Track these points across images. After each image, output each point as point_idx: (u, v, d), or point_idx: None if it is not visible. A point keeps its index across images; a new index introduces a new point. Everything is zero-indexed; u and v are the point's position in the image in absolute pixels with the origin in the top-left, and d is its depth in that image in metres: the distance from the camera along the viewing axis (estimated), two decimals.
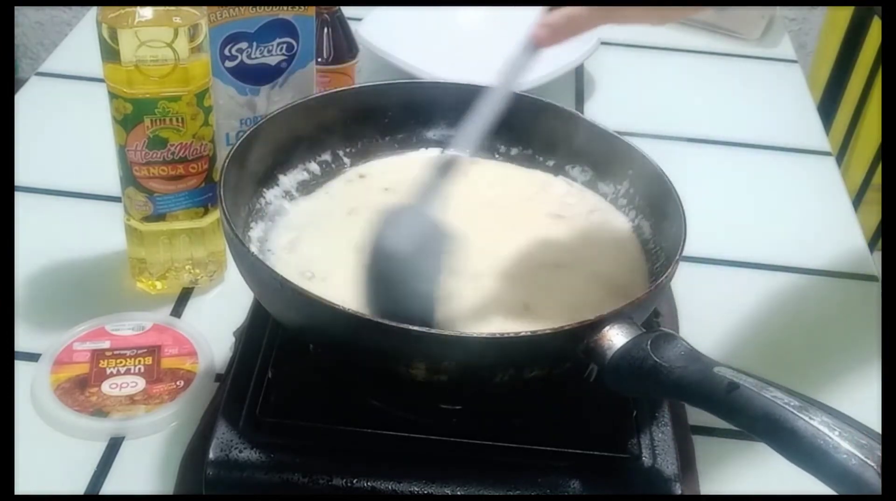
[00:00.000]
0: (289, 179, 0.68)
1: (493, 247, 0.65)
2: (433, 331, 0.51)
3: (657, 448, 0.57)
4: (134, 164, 0.69)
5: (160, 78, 0.65)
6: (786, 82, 1.17)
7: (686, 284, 0.73)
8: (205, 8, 0.66)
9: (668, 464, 0.57)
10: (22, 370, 0.67)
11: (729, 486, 0.64)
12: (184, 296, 0.76)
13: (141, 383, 0.66)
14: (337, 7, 0.90)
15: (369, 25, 1.03)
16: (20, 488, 0.59)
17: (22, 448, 0.61)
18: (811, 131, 1.07)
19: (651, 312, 0.58)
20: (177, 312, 0.75)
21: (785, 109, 1.11)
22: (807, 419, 0.42)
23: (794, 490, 0.58)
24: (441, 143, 0.73)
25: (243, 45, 0.76)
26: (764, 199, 0.95)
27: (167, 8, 0.64)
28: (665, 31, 1.24)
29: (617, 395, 0.52)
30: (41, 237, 0.80)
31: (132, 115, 0.66)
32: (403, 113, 0.72)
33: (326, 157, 0.70)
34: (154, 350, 0.69)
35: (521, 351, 0.51)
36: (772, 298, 0.82)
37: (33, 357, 0.68)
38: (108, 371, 0.67)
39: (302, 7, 0.77)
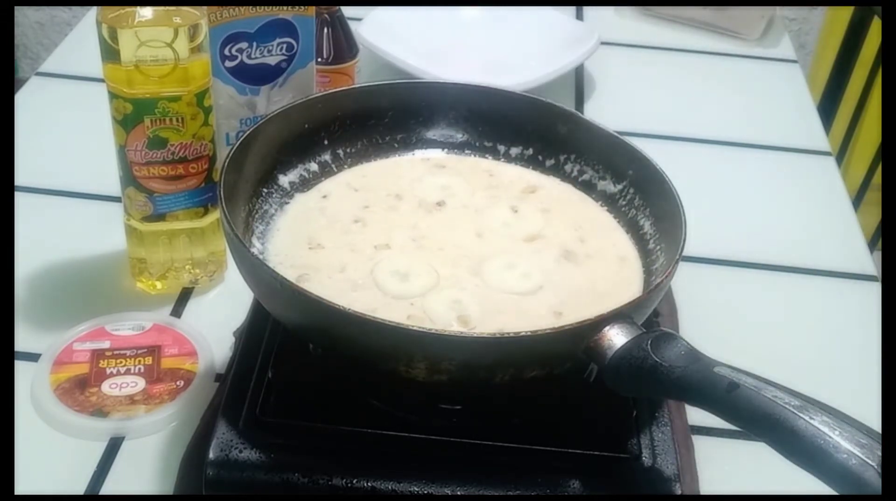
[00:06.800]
0: (288, 179, 0.68)
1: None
2: (433, 331, 0.51)
3: (657, 448, 0.57)
4: (134, 164, 0.69)
5: (160, 78, 0.65)
6: (786, 82, 1.17)
7: (686, 284, 0.73)
8: (205, 8, 0.66)
9: (668, 464, 0.57)
10: (22, 370, 0.67)
11: (729, 486, 0.64)
12: (184, 296, 0.76)
13: (141, 383, 0.66)
14: (337, 7, 0.90)
15: (369, 25, 1.03)
16: (20, 488, 0.59)
17: (22, 448, 0.61)
18: (811, 131, 1.07)
19: (651, 312, 0.58)
20: (177, 312, 0.75)
21: (785, 109, 1.11)
22: (807, 419, 0.42)
23: (794, 490, 0.58)
24: (441, 143, 0.73)
25: (243, 45, 0.76)
26: (764, 199, 0.95)
27: (167, 8, 0.64)
28: (665, 31, 1.25)
29: (617, 395, 0.52)
30: (41, 237, 0.80)
31: (132, 115, 0.66)
32: (403, 113, 0.72)
33: (326, 157, 0.70)
34: (154, 350, 0.69)
35: (521, 351, 0.51)
36: (772, 298, 0.82)
37: (33, 357, 0.68)
38: (108, 371, 0.67)
39: (302, 7, 0.77)
